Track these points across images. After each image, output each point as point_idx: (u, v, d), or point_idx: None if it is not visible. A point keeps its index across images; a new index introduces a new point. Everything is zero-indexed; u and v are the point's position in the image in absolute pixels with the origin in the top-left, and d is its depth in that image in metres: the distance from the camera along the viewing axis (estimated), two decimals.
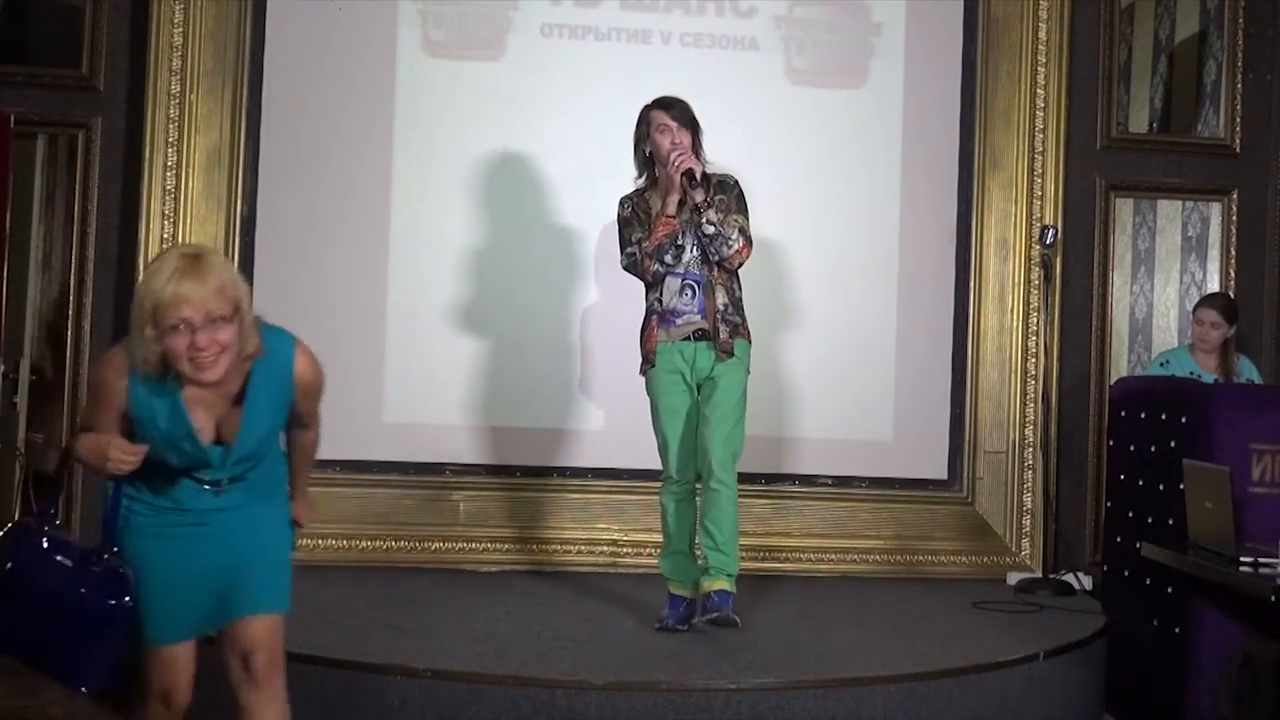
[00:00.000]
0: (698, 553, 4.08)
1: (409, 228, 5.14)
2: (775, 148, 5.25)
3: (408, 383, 5.11)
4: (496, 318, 5.15)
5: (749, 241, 4.04)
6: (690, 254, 4.03)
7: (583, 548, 5.09)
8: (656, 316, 4.07)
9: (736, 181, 4.12)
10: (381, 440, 5.09)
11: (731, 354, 4.02)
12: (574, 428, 5.16)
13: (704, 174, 4.02)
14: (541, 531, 5.09)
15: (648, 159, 4.09)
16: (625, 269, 4.11)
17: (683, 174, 3.93)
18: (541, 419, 5.16)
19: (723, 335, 4.02)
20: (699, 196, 3.94)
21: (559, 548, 5.09)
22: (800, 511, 5.22)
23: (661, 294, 4.07)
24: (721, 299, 4.04)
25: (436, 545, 5.03)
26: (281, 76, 5.11)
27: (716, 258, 4.00)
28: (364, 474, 5.07)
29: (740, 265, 4.06)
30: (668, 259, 4.00)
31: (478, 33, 5.19)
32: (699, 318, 4.03)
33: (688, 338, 4.04)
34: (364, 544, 5.00)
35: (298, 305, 5.06)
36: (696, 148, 4.04)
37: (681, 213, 4.00)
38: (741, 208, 4.08)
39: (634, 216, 4.08)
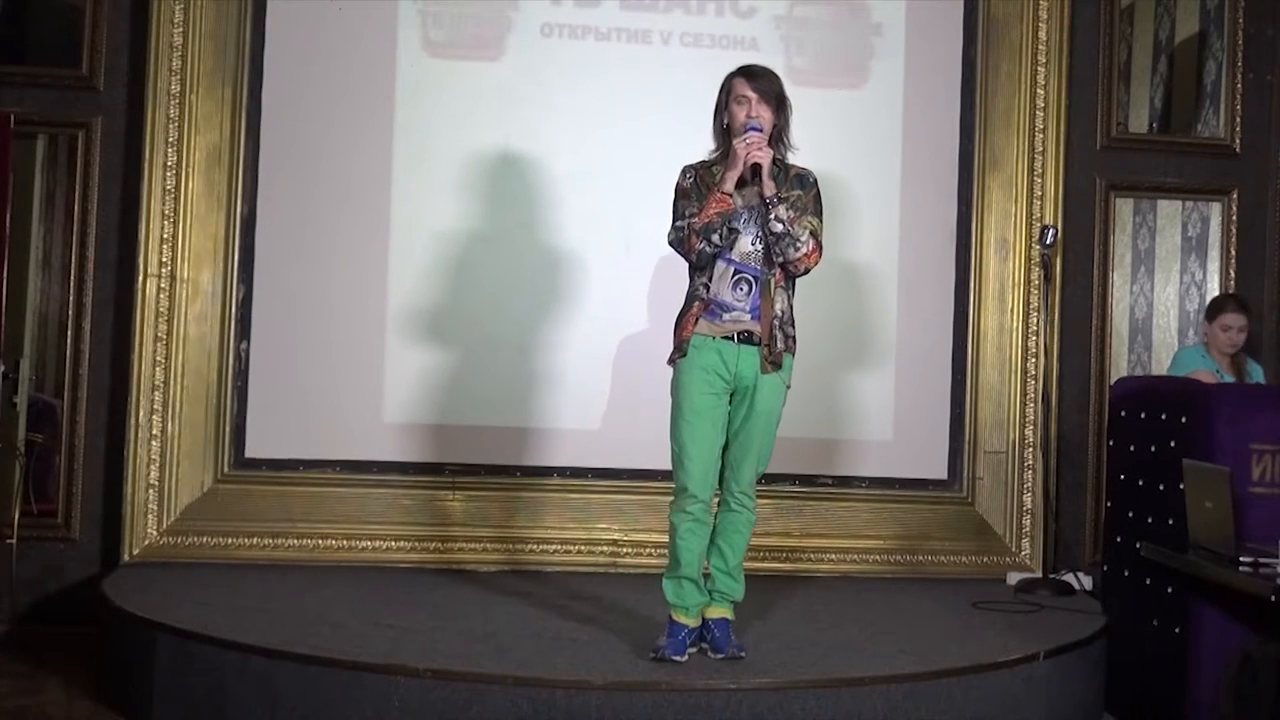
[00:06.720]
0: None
1: (409, 227, 5.13)
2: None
3: (407, 383, 5.11)
4: (496, 317, 5.14)
5: (819, 246, 3.66)
6: (751, 246, 3.63)
7: (583, 548, 5.09)
8: (700, 303, 3.66)
9: (816, 179, 3.76)
10: (381, 440, 5.09)
11: (779, 367, 3.66)
12: (573, 428, 5.16)
13: (782, 162, 3.71)
14: (542, 531, 5.09)
15: (725, 130, 3.70)
16: (671, 244, 3.71)
17: (749, 165, 3.58)
18: (541, 419, 5.15)
19: (777, 346, 3.65)
20: (769, 190, 3.59)
21: (559, 548, 5.08)
22: (800, 511, 5.22)
23: (710, 279, 3.66)
24: (780, 305, 3.66)
25: (436, 545, 5.03)
26: (281, 76, 5.10)
27: (781, 259, 3.61)
28: (364, 474, 5.07)
29: (807, 271, 3.68)
30: (715, 239, 3.59)
31: (478, 33, 5.19)
32: (749, 319, 3.64)
33: (731, 337, 3.64)
34: (364, 544, 5.00)
35: (297, 305, 5.09)
36: (781, 129, 3.72)
37: (744, 194, 3.64)
38: (817, 209, 3.72)
39: (694, 189, 3.68)
